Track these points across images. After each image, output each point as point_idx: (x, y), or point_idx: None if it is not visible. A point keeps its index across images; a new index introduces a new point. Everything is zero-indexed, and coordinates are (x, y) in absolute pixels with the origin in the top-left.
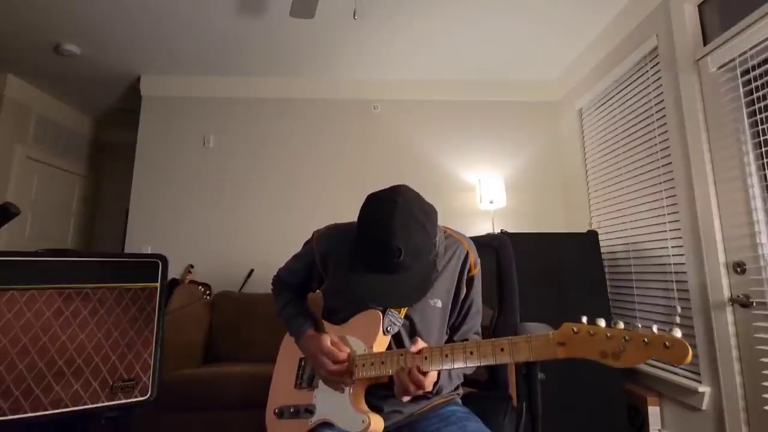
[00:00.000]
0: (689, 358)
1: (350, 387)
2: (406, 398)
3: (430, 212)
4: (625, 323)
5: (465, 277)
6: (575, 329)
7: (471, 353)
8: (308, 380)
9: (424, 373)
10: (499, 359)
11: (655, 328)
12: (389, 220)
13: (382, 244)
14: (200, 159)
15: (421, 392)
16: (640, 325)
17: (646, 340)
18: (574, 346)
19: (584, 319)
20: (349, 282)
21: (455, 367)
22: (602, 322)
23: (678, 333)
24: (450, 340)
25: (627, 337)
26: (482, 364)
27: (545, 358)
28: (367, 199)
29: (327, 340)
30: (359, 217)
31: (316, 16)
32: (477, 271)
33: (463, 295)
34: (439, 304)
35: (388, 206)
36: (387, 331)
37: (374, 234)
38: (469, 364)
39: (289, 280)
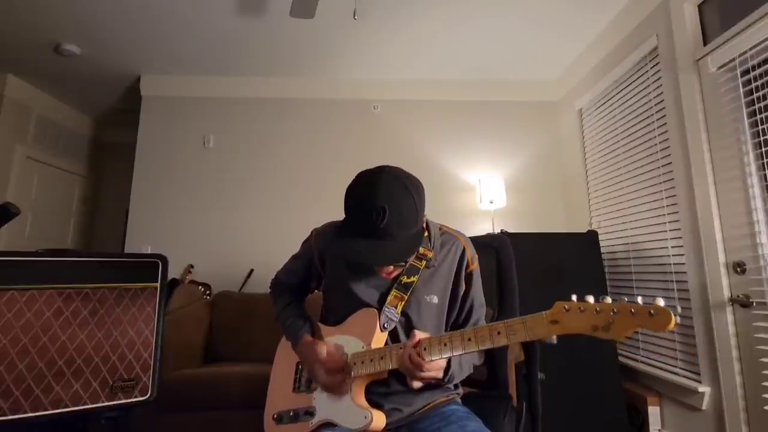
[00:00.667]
0: (672, 324)
1: (351, 385)
2: (417, 384)
3: (417, 185)
4: (612, 298)
5: (463, 273)
6: (566, 307)
7: (469, 339)
8: (307, 383)
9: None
10: (497, 342)
11: (639, 299)
12: (375, 184)
13: (367, 204)
14: (200, 159)
15: (429, 375)
16: (626, 298)
17: (632, 310)
18: (566, 323)
19: (574, 297)
20: (336, 248)
21: (455, 354)
22: (591, 299)
23: (661, 302)
24: None
25: (615, 310)
26: (481, 348)
27: (540, 337)
28: (356, 175)
29: (323, 350)
30: (347, 190)
31: (316, 16)
32: (475, 267)
33: (462, 292)
34: (435, 300)
35: (375, 175)
36: (384, 327)
37: (360, 198)
38: (468, 350)
39: (288, 281)
